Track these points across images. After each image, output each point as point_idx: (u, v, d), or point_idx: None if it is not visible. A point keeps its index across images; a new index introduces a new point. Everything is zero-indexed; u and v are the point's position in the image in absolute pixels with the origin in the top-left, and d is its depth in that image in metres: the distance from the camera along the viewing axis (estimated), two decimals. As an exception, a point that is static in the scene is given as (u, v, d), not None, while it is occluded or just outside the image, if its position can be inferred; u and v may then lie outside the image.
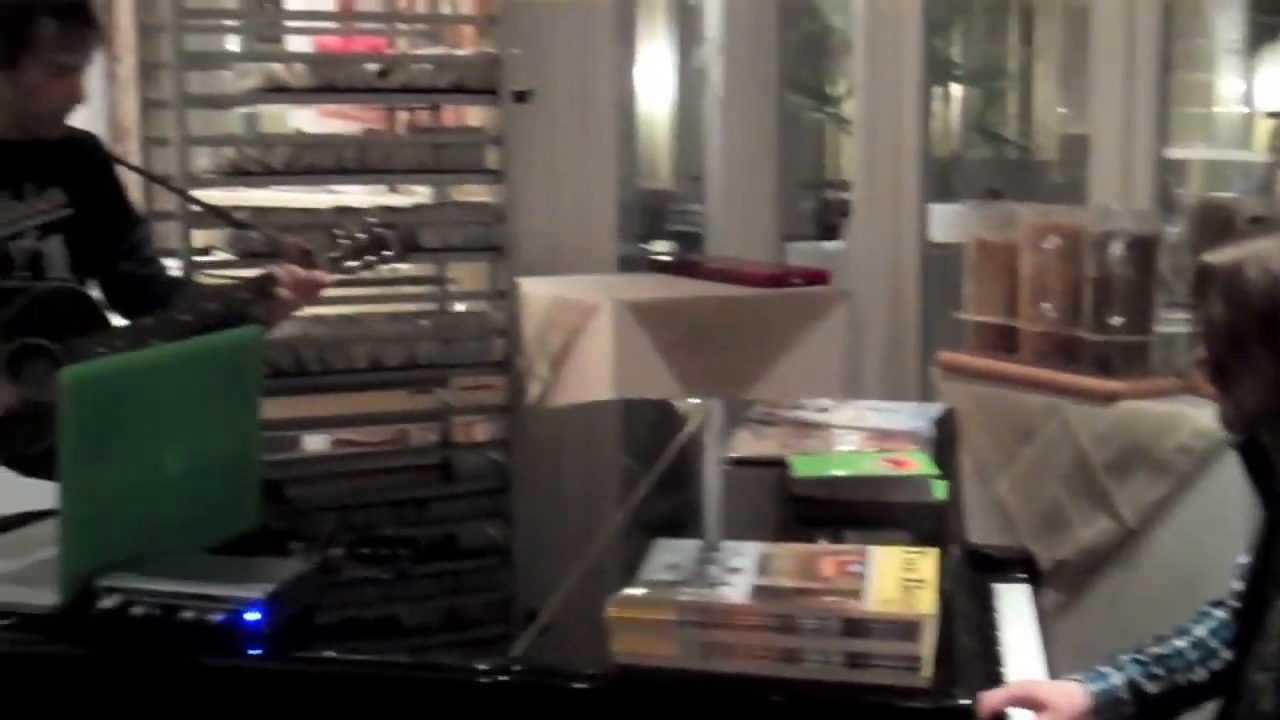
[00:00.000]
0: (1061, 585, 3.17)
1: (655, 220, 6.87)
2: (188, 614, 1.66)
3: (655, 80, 7.58)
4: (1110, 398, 3.13)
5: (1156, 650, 2.09)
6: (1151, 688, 2.05)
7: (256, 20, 5.25)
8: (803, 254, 5.65)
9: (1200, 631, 2.09)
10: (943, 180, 6.85)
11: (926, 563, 1.68)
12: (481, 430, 4.16)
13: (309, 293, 2.78)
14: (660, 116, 7.77)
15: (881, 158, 4.61)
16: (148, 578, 1.70)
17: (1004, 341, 3.48)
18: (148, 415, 1.82)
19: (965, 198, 5.67)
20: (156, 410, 1.83)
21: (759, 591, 1.60)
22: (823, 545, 1.81)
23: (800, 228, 6.31)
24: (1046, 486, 3.26)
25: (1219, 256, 1.92)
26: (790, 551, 1.73)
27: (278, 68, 3.88)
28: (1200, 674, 2.06)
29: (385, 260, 2.90)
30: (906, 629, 1.52)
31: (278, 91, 3.88)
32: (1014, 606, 2.51)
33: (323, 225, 3.33)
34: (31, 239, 2.73)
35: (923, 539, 2.01)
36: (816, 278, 4.72)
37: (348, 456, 3.64)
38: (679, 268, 5.08)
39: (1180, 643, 2.10)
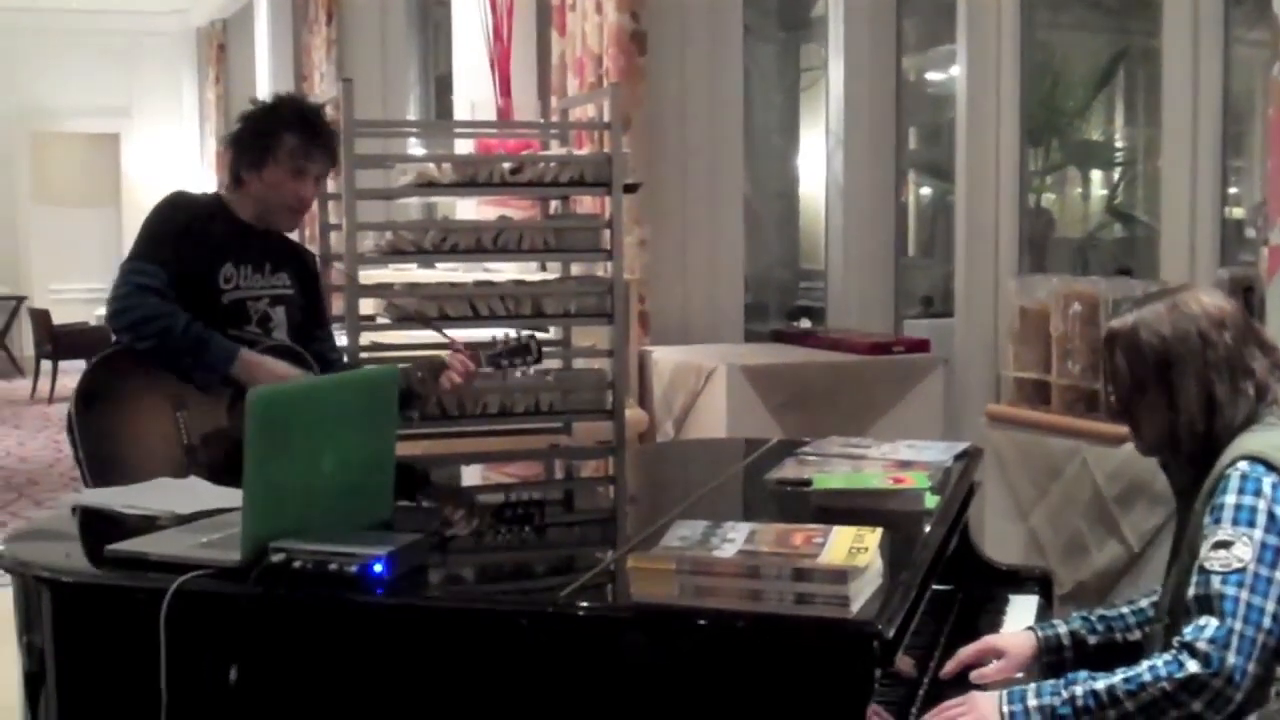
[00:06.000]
0: (1084, 604, 3.45)
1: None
2: (332, 566, 2.22)
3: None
4: (1120, 440, 3.32)
5: (1103, 611, 2.62)
6: (1091, 639, 2.56)
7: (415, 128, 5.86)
8: (919, 328, 5.88)
9: (1143, 603, 2.58)
10: (1080, 258, 7.15)
11: (872, 538, 2.21)
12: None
13: (468, 380, 3.48)
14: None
15: (981, 239, 4.94)
16: (305, 542, 2.27)
17: (1040, 394, 3.84)
18: (311, 427, 2.39)
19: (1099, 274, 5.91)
20: (319, 424, 2.41)
21: (741, 553, 2.16)
22: (798, 525, 2.30)
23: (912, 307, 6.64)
24: (1070, 518, 3.59)
25: (1119, 322, 2.45)
26: (773, 528, 2.26)
27: (430, 167, 4.35)
28: (1136, 635, 2.54)
29: (527, 363, 3.64)
30: (837, 576, 2.06)
31: (427, 186, 4.36)
32: (1020, 611, 3.04)
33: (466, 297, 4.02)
34: (265, 304, 3.39)
35: (904, 535, 2.49)
36: (917, 347, 5.22)
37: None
38: (797, 338, 5.64)
39: (1125, 609, 2.61)
